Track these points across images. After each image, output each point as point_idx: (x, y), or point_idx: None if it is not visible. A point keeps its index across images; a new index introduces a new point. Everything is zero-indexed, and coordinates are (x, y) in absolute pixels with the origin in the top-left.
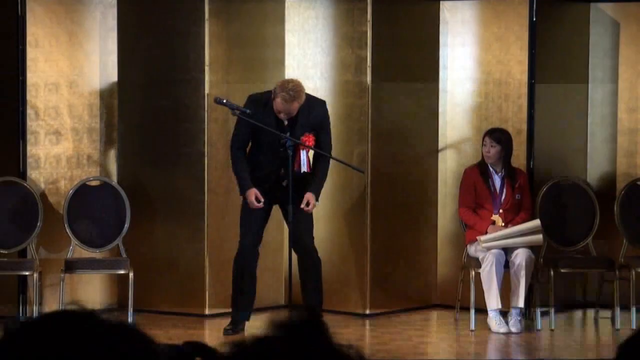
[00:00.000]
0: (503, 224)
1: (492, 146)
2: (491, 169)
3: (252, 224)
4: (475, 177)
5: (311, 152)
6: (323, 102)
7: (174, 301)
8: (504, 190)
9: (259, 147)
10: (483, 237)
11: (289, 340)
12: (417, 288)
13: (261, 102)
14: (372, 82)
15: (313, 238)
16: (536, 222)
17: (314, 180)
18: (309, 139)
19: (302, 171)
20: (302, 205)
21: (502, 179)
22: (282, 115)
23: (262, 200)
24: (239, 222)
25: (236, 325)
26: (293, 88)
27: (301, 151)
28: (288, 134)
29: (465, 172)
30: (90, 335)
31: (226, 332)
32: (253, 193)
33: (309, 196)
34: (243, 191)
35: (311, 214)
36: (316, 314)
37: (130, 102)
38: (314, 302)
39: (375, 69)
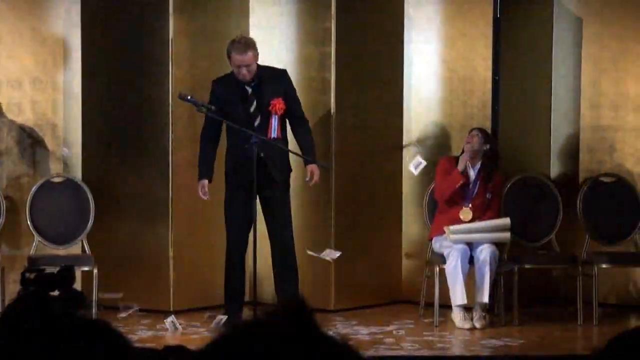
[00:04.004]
0: (471, 218)
1: (475, 135)
2: (467, 162)
3: (236, 215)
4: (451, 166)
5: (284, 116)
6: (284, 70)
7: (138, 298)
8: (477, 184)
9: (229, 130)
10: (452, 227)
11: (276, 329)
12: (381, 284)
13: (223, 81)
14: (335, 78)
15: (292, 231)
16: (506, 220)
17: (304, 151)
18: (279, 102)
19: (272, 137)
20: (307, 179)
21: (477, 173)
22: (244, 72)
23: (207, 194)
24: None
25: (229, 316)
26: (241, 38)
27: (272, 116)
28: (255, 103)
29: (441, 160)
30: (65, 333)
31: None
32: (200, 185)
33: (311, 168)
34: (198, 179)
35: (289, 207)
36: (304, 303)
37: (95, 98)
38: (289, 297)
39: (339, 65)
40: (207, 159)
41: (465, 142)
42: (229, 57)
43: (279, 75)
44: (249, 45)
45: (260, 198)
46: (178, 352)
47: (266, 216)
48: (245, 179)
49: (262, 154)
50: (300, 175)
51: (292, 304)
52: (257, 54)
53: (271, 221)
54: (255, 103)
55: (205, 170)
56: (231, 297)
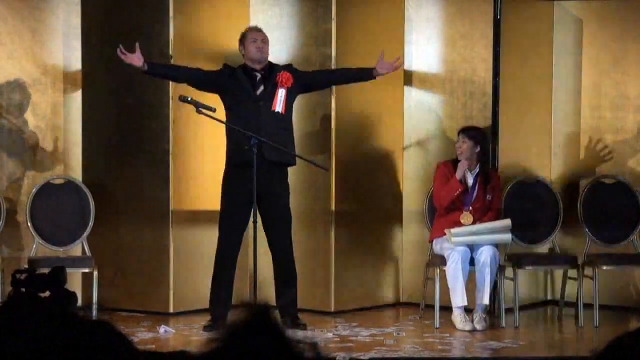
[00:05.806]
0: (471, 222)
1: (463, 142)
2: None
3: (230, 219)
4: (448, 171)
5: (293, 95)
6: (290, 64)
7: (138, 300)
8: (476, 188)
9: (230, 132)
10: (453, 230)
11: (239, 347)
12: (382, 286)
13: (234, 67)
14: None
15: (290, 238)
16: (507, 221)
17: (352, 71)
18: (285, 74)
19: (276, 110)
20: (392, 61)
21: (475, 177)
22: (259, 45)
23: (126, 54)
24: (218, 218)
25: (216, 321)
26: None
27: (279, 88)
28: (262, 86)
29: (438, 165)
30: (70, 332)
31: (205, 328)
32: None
33: (380, 63)
34: None
35: (289, 214)
36: (265, 311)
37: (95, 100)
38: (288, 301)
39: (339, 67)
40: (166, 64)
41: (456, 147)
42: (244, 41)
43: (286, 66)
44: (263, 31)
45: (259, 204)
46: (180, 356)
47: (264, 222)
48: (245, 183)
49: (264, 153)
50: (300, 177)
51: (256, 312)
52: (268, 41)
53: (270, 227)
54: (262, 86)
55: (155, 63)
56: (218, 302)
